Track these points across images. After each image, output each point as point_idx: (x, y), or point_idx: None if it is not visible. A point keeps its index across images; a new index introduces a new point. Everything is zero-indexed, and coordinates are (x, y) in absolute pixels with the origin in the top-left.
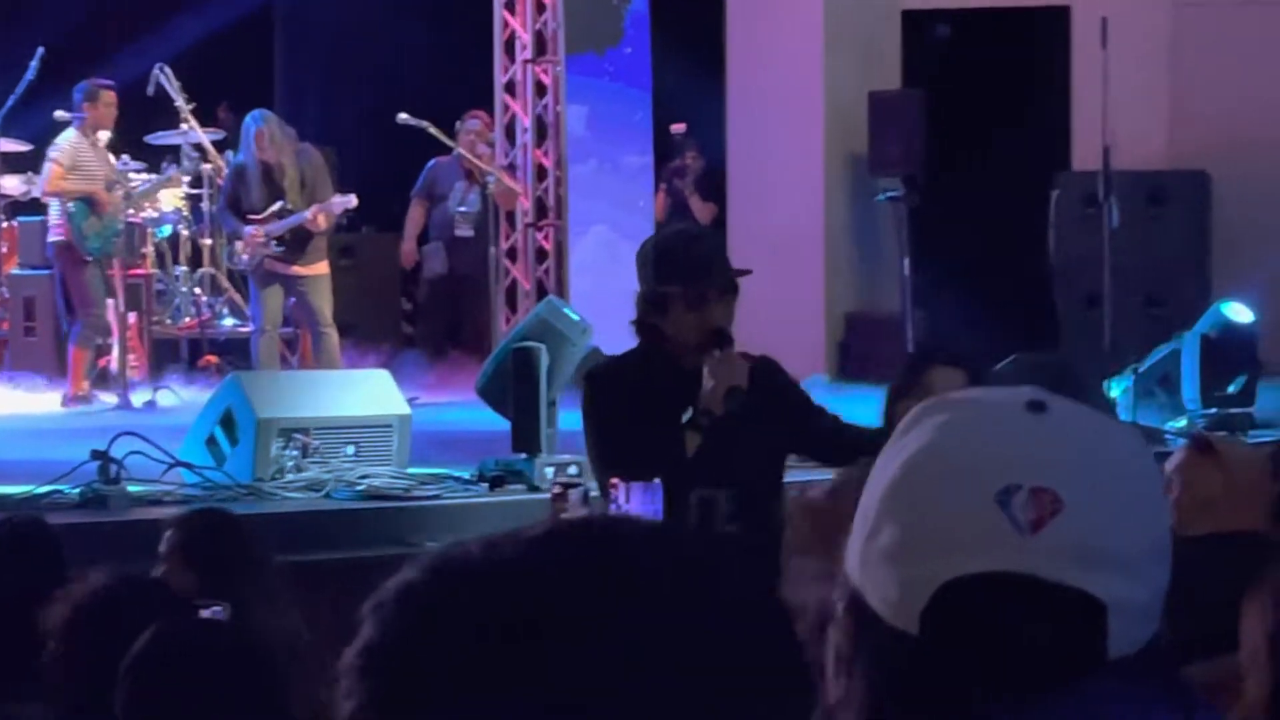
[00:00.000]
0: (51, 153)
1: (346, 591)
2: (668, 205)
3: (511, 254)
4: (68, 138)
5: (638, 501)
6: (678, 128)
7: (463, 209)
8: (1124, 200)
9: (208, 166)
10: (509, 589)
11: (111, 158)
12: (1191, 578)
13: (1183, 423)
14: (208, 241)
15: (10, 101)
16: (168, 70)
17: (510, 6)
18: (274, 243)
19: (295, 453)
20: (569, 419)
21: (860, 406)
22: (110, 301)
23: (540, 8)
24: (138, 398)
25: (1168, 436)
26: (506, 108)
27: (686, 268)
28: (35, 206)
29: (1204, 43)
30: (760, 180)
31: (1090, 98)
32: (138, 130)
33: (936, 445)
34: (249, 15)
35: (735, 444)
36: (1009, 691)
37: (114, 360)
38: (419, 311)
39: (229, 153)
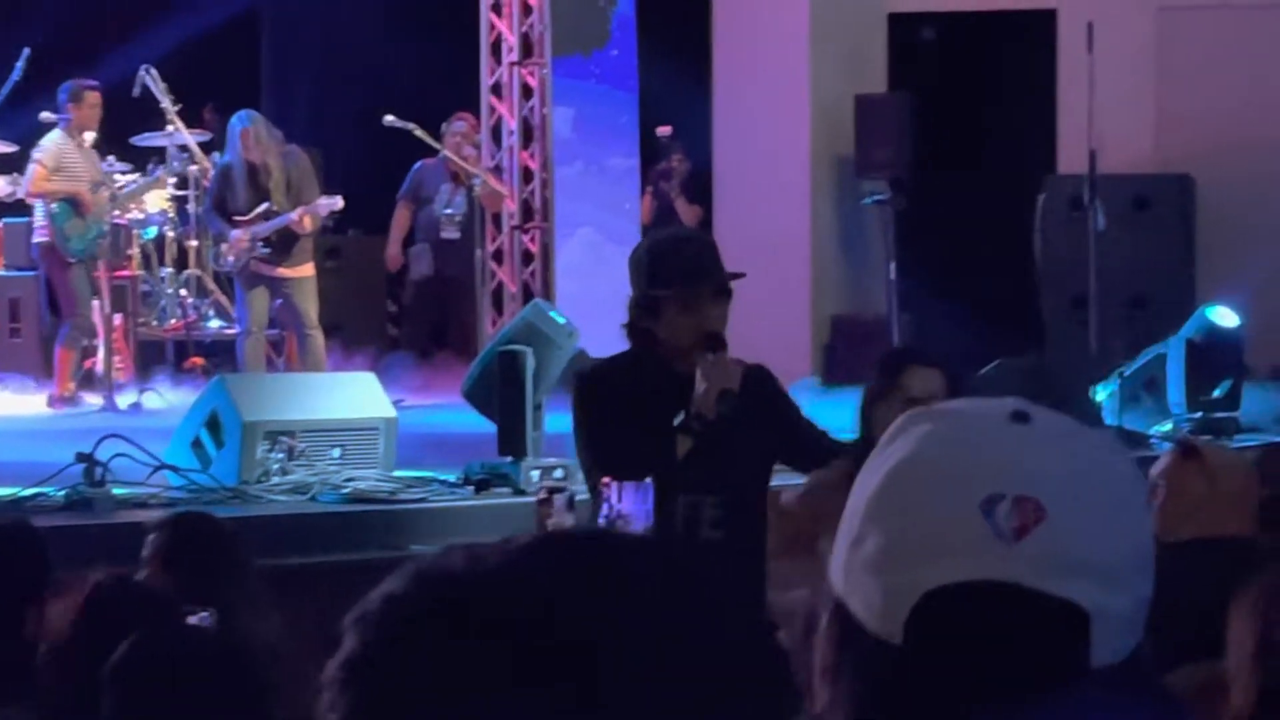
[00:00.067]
0: (35, 154)
1: (332, 595)
2: (654, 208)
3: (498, 256)
4: (53, 139)
5: (629, 501)
6: (664, 130)
7: (449, 211)
8: (1109, 204)
9: (194, 168)
10: (493, 601)
11: (98, 158)
12: (1177, 582)
13: (1168, 427)
14: (193, 243)
15: None
16: (154, 72)
17: (497, 9)
18: (260, 245)
19: (281, 455)
20: (555, 422)
21: (846, 410)
22: (95, 303)
23: (527, 10)
24: (123, 400)
25: (1153, 441)
26: (493, 110)
27: (680, 271)
28: (21, 208)
29: (1189, 47)
30: (746, 183)
31: (1076, 101)
32: (123, 132)
33: (920, 454)
34: (236, 17)
35: (725, 449)
36: (993, 700)
37: (99, 362)
38: (405, 313)
39: (215, 154)
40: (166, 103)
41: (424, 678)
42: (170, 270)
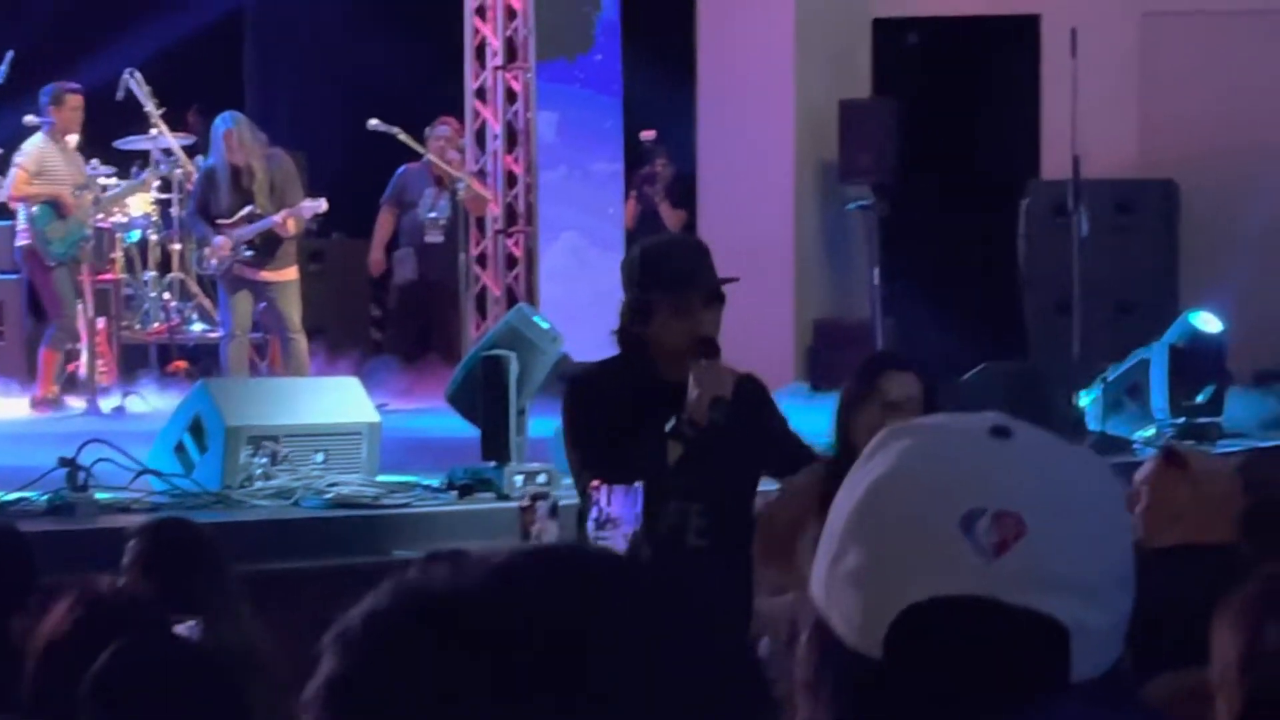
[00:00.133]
0: (17, 158)
1: (315, 601)
2: (638, 212)
3: (482, 260)
4: (35, 142)
5: (619, 504)
6: (648, 135)
7: (433, 215)
8: (1093, 209)
9: (178, 171)
10: (476, 617)
11: (82, 161)
12: (1160, 589)
13: (1151, 432)
14: (177, 246)
15: None
16: (138, 75)
17: (481, 13)
18: (243, 248)
19: (264, 460)
20: (539, 427)
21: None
22: (78, 307)
23: (511, 14)
24: (107, 403)
25: (1136, 446)
26: (477, 114)
27: (672, 275)
28: (4, 211)
29: (1173, 52)
30: (730, 188)
31: (1059, 107)
32: (107, 135)
33: (900, 470)
34: (220, 20)
35: (715, 456)
36: (972, 715)
37: (83, 366)
38: (389, 317)
39: (199, 158)
40: (150, 106)
41: (409, 695)
42: (154, 274)
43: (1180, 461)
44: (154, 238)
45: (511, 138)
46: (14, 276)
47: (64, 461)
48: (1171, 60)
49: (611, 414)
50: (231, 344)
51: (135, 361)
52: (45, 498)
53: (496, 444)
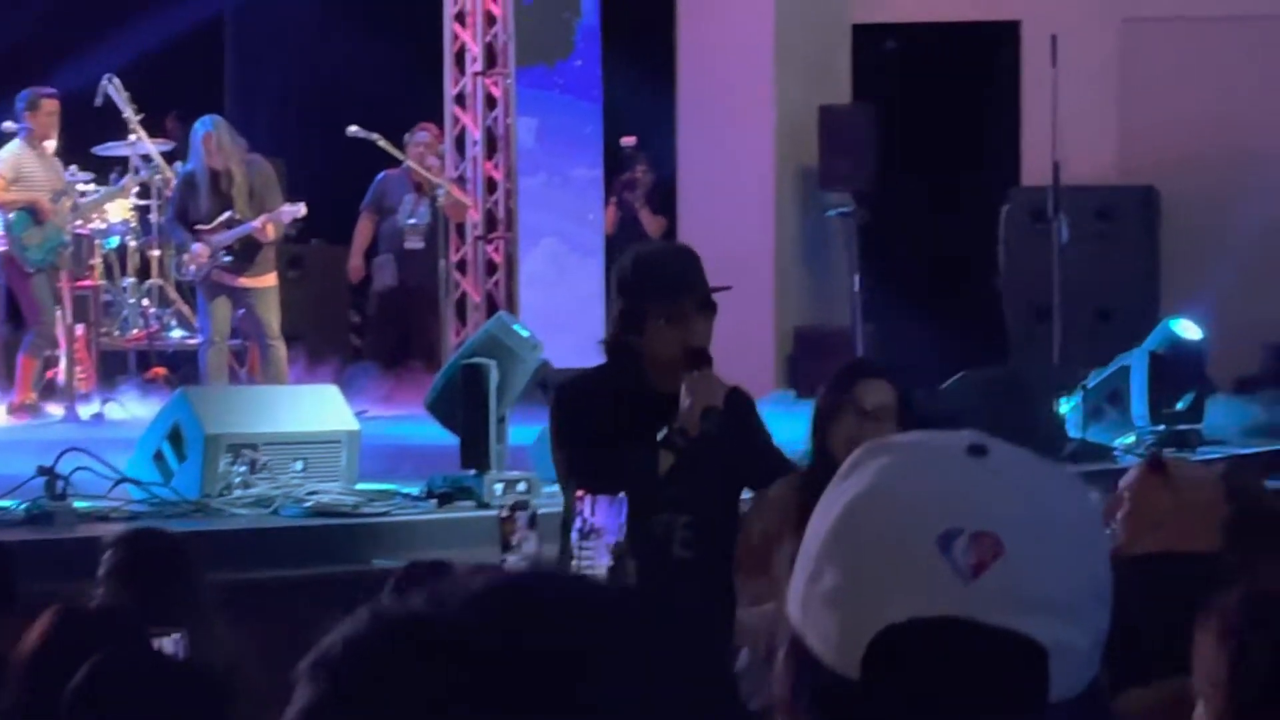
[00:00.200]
0: None
1: (294, 609)
2: (618, 219)
3: (461, 266)
4: (11, 149)
5: (603, 515)
6: (628, 141)
7: (412, 221)
8: (1073, 215)
9: (158, 177)
10: (455, 644)
11: (60, 167)
12: (1139, 596)
13: (1132, 439)
14: (156, 253)
15: None
16: (116, 81)
17: (460, 19)
18: (222, 254)
19: (243, 469)
20: (519, 435)
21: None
22: (57, 313)
23: (490, 20)
24: (85, 410)
25: (1116, 453)
26: (456, 120)
27: (666, 283)
28: None
29: (1153, 59)
30: (710, 194)
31: (1040, 113)
32: (86, 141)
33: (877, 488)
34: (199, 26)
35: (704, 467)
36: None
37: (61, 373)
38: (368, 324)
39: (178, 164)
40: (129, 112)
41: None
42: (133, 280)
43: (1162, 469)
44: (133, 244)
45: (491, 143)
46: None
47: (42, 470)
48: (1152, 67)
49: (600, 422)
50: (210, 350)
51: (114, 368)
52: (24, 506)
53: (476, 452)
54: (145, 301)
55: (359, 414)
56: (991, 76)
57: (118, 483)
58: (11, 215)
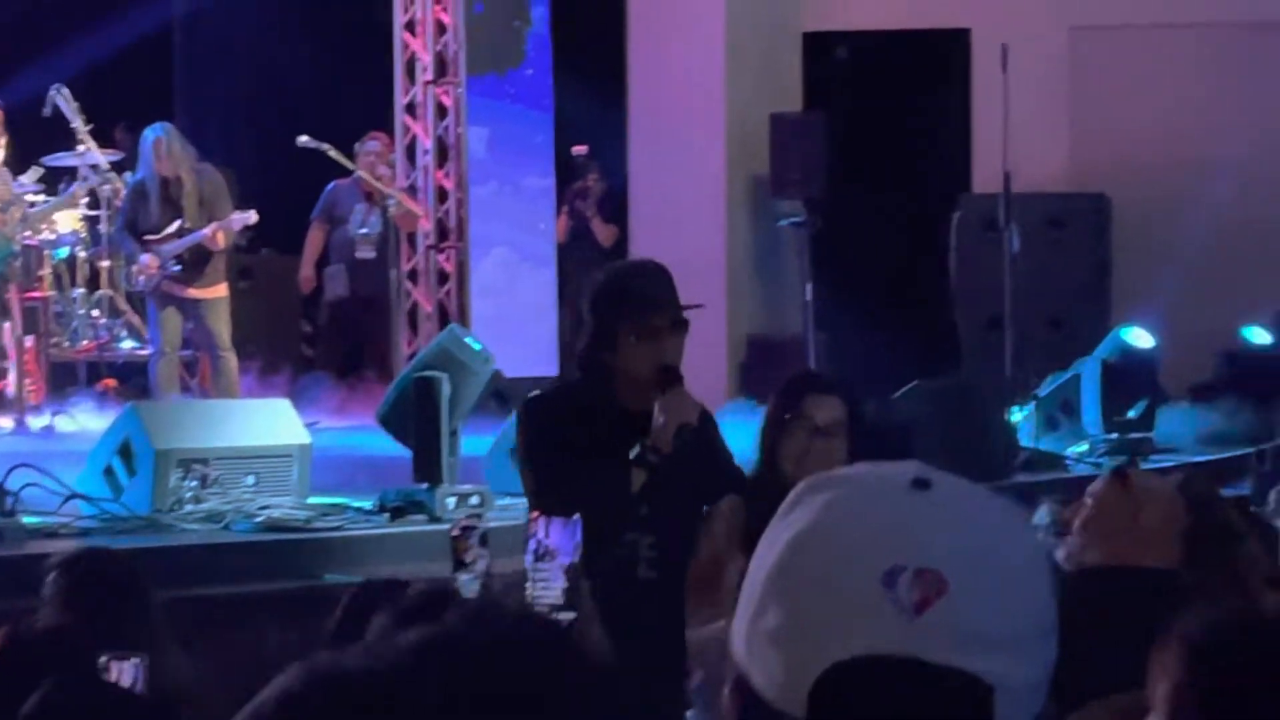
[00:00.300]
0: None
1: (247, 625)
2: (569, 227)
3: (413, 276)
4: None
5: (556, 536)
6: (579, 150)
7: (364, 231)
8: (1024, 223)
9: (107, 187)
10: (386, 704)
11: (9, 177)
12: (1091, 607)
13: (1084, 448)
14: (105, 263)
15: None
16: (65, 91)
17: (411, 28)
18: (172, 264)
19: (194, 484)
20: (471, 447)
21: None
22: (6, 325)
23: (441, 29)
24: (35, 422)
25: (1069, 462)
26: (407, 129)
27: (639, 300)
28: None
29: (1103, 67)
30: (662, 202)
31: (990, 121)
32: (34, 152)
33: (820, 525)
34: (148, 36)
35: (674, 485)
36: None
37: (11, 385)
38: (320, 334)
39: (127, 174)
40: (78, 122)
41: None
42: (82, 291)
43: (1126, 481)
44: (82, 255)
45: (442, 153)
46: None
47: None
48: (1102, 74)
49: (569, 439)
50: (161, 362)
51: (64, 380)
52: None
53: (429, 465)
54: (95, 312)
55: (311, 425)
56: (942, 84)
57: (68, 499)
58: None
